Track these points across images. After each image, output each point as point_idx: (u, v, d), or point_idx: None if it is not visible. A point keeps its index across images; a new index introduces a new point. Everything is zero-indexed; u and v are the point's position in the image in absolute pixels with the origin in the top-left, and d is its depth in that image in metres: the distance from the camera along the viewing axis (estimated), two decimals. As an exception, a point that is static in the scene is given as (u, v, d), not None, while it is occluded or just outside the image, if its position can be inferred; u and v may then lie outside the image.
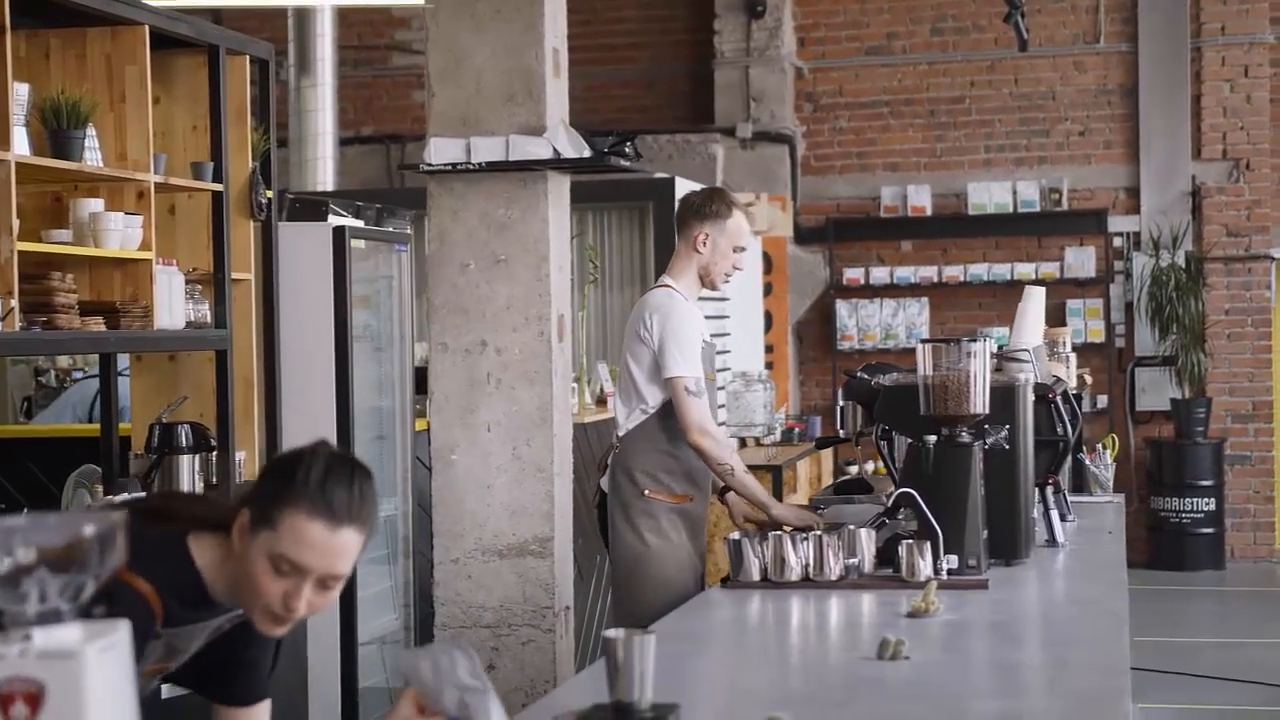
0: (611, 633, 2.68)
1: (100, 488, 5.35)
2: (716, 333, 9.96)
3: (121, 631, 1.76)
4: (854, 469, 12.17)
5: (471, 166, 5.66)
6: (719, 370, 6.27)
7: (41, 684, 1.68)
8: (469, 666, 2.48)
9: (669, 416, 5.12)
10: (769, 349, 12.20)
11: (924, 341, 4.39)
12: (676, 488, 5.16)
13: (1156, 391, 12.40)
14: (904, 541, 4.17)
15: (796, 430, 10.72)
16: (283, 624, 2.61)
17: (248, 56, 5.79)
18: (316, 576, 2.55)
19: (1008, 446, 4.45)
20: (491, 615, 5.58)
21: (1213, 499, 12.08)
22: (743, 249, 5.28)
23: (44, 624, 1.71)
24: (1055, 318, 12.16)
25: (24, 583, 1.71)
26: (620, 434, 5.24)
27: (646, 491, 5.14)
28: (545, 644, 5.60)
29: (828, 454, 11.03)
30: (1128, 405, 12.53)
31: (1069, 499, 5.56)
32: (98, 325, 4.85)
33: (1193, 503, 12.06)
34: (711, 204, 5.26)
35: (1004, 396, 4.47)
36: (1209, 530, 12.10)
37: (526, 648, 5.57)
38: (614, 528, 5.20)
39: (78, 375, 8.69)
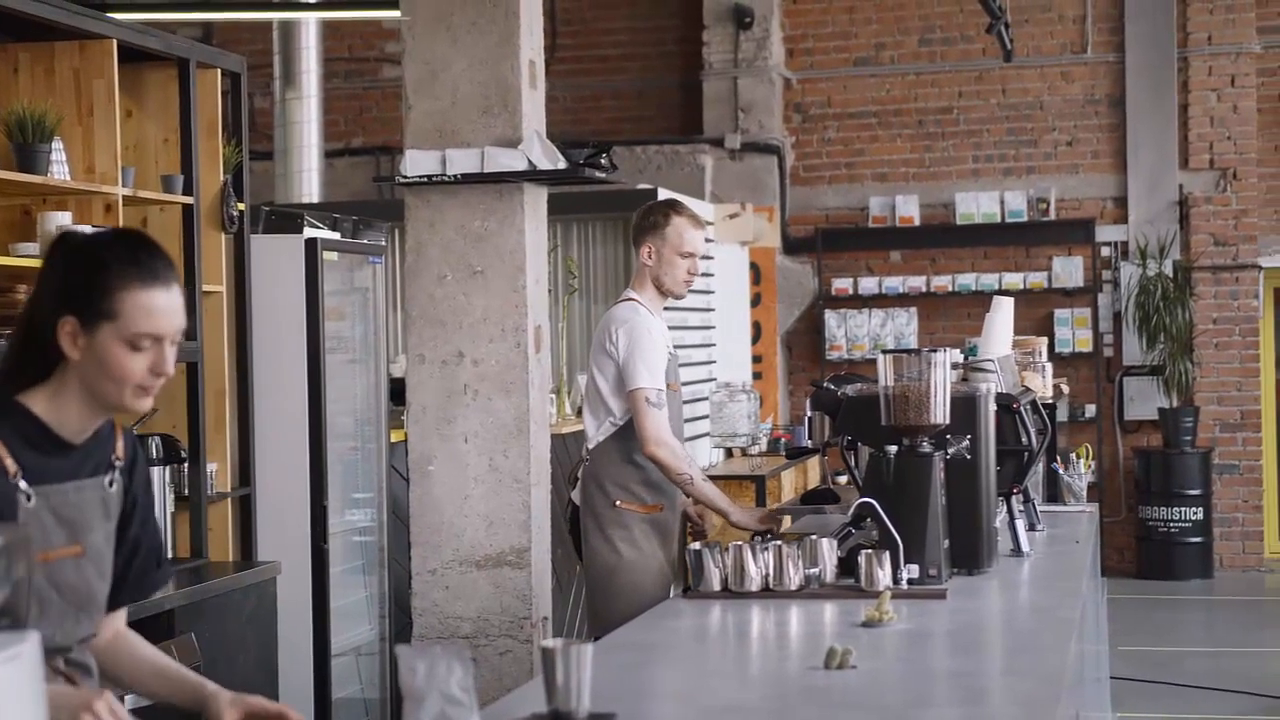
0: (548, 643, 2.71)
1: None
2: (702, 343, 10.00)
3: (29, 643, 1.78)
4: (844, 479, 12.18)
5: (447, 179, 5.69)
6: (685, 383, 6.31)
7: (-58, 694, 1.69)
8: (461, 679, 2.50)
9: None
10: (758, 359, 12.23)
11: (885, 352, 4.41)
12: (647, 498, 5.22)
13: (1144, 401, 12.40)
14: (863, 551, 4.19)
15: (783, 440, 10.73)
16: (150, 391, 2.67)
17: (219, 70, 5.81)
18: (170, 337, 2.67)
19: (969, 456, 4.47)
20: (469, 626, 5.60)
21: (1201, 508, 12.08)
22: (690, 254, 5.33)
23: (-52, 635, 1.73)
24: (1043, 327, 12.18)
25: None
26: (590, 446, 5.32)
27: (618, 502, 5.22)
28: (523, 654, 5.61)
29: (814, 464, 11.04)
30: (1116, 414, 12.54)
31: (1040, 509, 5.57)
32: (65, 338, 4.86)
33: (1181, 512, 12.06)
34: (649, 216, 5.36)
35: (965, 406, 4.48)
36: (1197, 539, 12.10)
37: (504, 658, 5.58)
38: (587, 539, 5.26)
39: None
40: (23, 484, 2.62)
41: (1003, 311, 5.52)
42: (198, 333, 5.54)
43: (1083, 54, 12.62)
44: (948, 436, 4.42)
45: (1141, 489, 12.22)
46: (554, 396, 7.93)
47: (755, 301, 12.19)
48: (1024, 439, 4.95)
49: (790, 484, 9.78)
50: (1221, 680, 8.68)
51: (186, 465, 5.50)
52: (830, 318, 12.76)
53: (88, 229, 2.74)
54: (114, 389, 2.65)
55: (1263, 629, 10.69)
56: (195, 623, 5.01)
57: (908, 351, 4.38)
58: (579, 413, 7.96)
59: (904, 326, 12.68)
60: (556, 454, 6.26)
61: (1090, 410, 12.38)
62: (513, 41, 5.78)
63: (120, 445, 2.80)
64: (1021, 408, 4.97)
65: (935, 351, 4.36)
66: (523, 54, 5.82)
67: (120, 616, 2.91)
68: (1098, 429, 12.33)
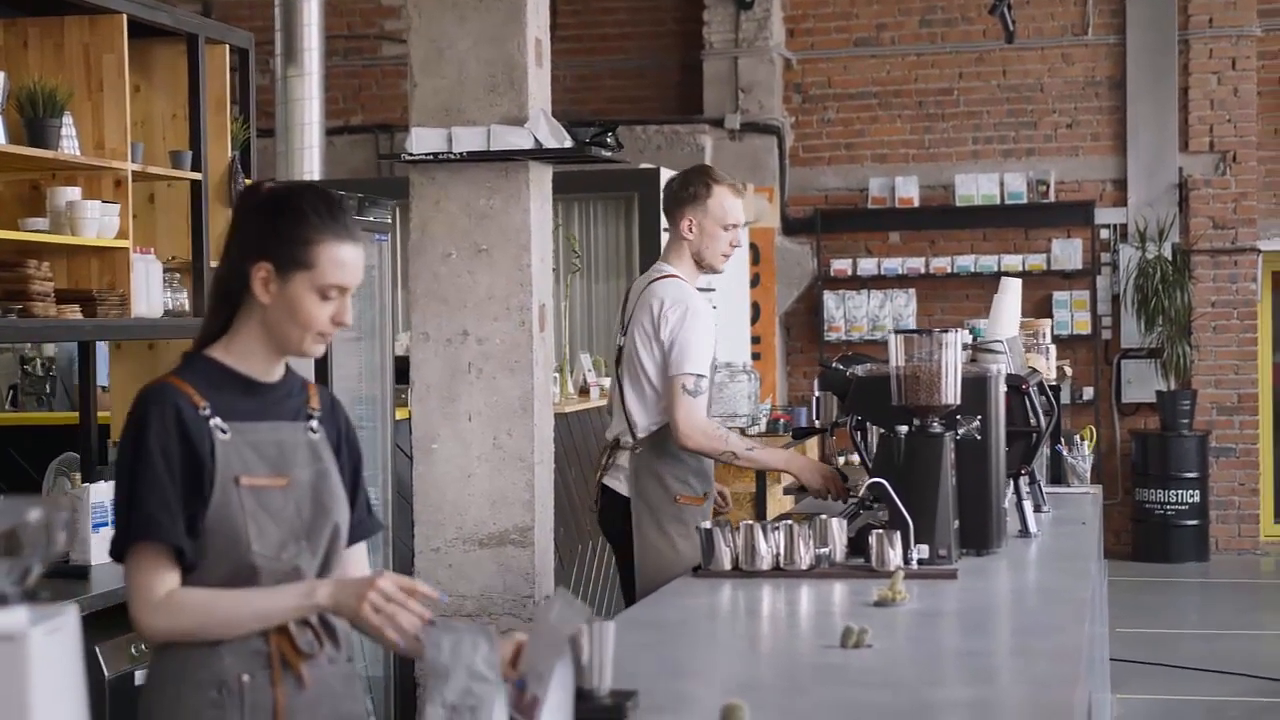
0: (571, 620, 2.70)
1: (79, 475, 5.36)
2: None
3: (70, 616, 1.78)
4: (842, 459, 12.19)
5: (453, 156, 5.68)
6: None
7: (-15, 666, 1.70)
8: (487, 656, 2.52)
9: None
10: (756, 340, 12.23)
11: (897, 332, 4.40)
12: (700, 488, 5.08)
13: (1142, 383, 12.42)
14: (874, 531, 4.19)
15: (783, 421, 10.74)
16: (325, 341, 2.85)
17: (227, 45, 5.79)
18: (352, 289, 2.83)
19: (979, 437, 4.47)
20: (472, 604, 5.60)
21: (1197, 491, 12.11)
22: (733, 225, 5.11)
23: (-11, 607, 1.73)
24: (1042, 309, 12.19)
25: (-32, 566, 1.73)
26: (639, 435, 5.07)
27: (679, 497, 5.03)
28: (526, 633, 5.60)
29: (814, 444, 11.06)
30: (1114, 397, 12.56)
31: (1045, 490, 5.57)
32: (74, 313, 4.86)
33: (1177, 494, 12.09)
34: (689, 186, 5.11)
35: (976, 387, 4.48)
36: (1193, 522, 12.13)
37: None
38: (641, 532, 5.05)
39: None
40: (215, 419, 2.77)
41: (1011, 293, 5.52)
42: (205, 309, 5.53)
43: (1083, 36, 12.61)
44: (958, 417, 4.42)
45: (1138, 471, 12.25)
46: (556, 376, 7.92)
47: (754, 282, 12.19)
48: (1033, 420, 4.95)
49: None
50: (1217, 662, 8.70)
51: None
52: (829, 299, 12.76)
53: (271, 183, 2.92)
54: (297, 334, 2.80)
55: (1258, 611, 10.74)
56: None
57: (919, 332, 4.37)
58: (582, 392, 7.97)
59: (903, 308, 12.69)
60: (559, 434, 6.26)
61: (1088, 393, 12.40)
62: (519, 19, 5.77)
63: (315, 398, 2.94)
64: (1030, 389, 4.97)
65: (946, 332, 4.36)
66: (529, 32, 5.82)
67: (360, 564, 3.03)
68: (1095, 411, 12.35)
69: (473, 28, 5.76)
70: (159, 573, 2.73)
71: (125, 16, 5.12)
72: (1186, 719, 7.76)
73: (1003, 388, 4.64)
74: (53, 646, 1.74)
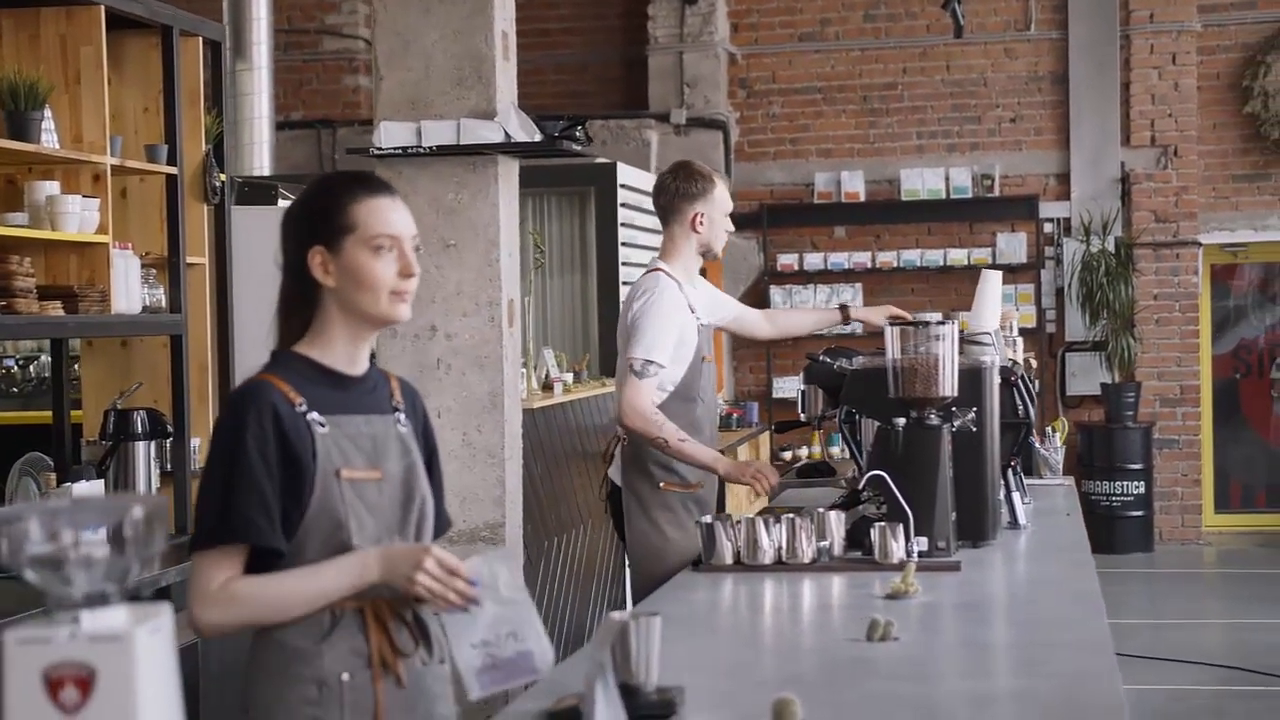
0: (618, 615, 2.68)
1: (53, 475, 5.26)
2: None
3: (165, 615, 1.74)
4: (788, 454, 12.23)
5: (422, 150, 5.64)
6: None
7: (92, 668, 1.66)
8: (508, 579, 2.51)
9: (677, 405, 5.04)
10: (704, 335, 12.22)
11: (893, 324, 4.40)
12: (690, 476, 5.10)
13: (1087, 376, 12.53)
14: (876, 524, 4.18)
15: (735, 416, 10.76)
16: (405, 297, 2.81)
17: (200, 38, 5.71)
18: (407, 240, 2.80)
19: (975, 429, 4.47)
20: (442, 601, 5.55)
21: (1142, 482, 12.23)
22: (729, 212, 5.34)
23: (91, 607, 1.69)
24: (988, 303, 12.25)
25: (71, 565, 1.69)
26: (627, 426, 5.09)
27: (662, 484, 5.09)
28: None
29: (765, 439, 11.09)
30: (1058, 390, 12.66)
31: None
32: (55, 310, 4.77)
33: (1122, 486, 12.20)
34: (696, 183, 5.23)
35: (971, 379, 4.49)
36: (1138, 513, 12.25)
37: (478, 633, 5.53)
38: (630, 522, 5.11)
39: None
40: (313, 414, 2.76)
41: (991, 285, 5.53)
42: (182, 305, 5.45)
43: (1026, 31, 12.69)
44: (954, 409, 4.42)
45: (1084, 463, 12.34)
46: (523, 372, 7.88)
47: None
48: (1021, 411, 4.97)
49: (746, 458, 9.79)
50: (1166, 651, 8.79)
51: (171, 440, 5.40)
52: (776, 293, 12.78)
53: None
54: (370, 299, 2.78)
55: (1203, 601, 10.86)
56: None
57: (916, 324, 4.37)
58: (546, 388, 7.93)
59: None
60: (526, 429, 6.23)
61: (1034, 385, 12.47)
62: (486, 12, 5.74)
63: (396, 391, 2.92)
64: (1017, 380, 4.99)
65: (943, 323, 4.36)
66: (496, 25, 5.79)
67: None
68: (1040, 404, 12.43)
69: (438, 20, 5.73)
70: (223, 568, 2.71)
71: (103, 8, 5.03)
72: (1155, 706, 7.82)
73: (996, 379, 4.65)
74: (155, 645, 1.71)
